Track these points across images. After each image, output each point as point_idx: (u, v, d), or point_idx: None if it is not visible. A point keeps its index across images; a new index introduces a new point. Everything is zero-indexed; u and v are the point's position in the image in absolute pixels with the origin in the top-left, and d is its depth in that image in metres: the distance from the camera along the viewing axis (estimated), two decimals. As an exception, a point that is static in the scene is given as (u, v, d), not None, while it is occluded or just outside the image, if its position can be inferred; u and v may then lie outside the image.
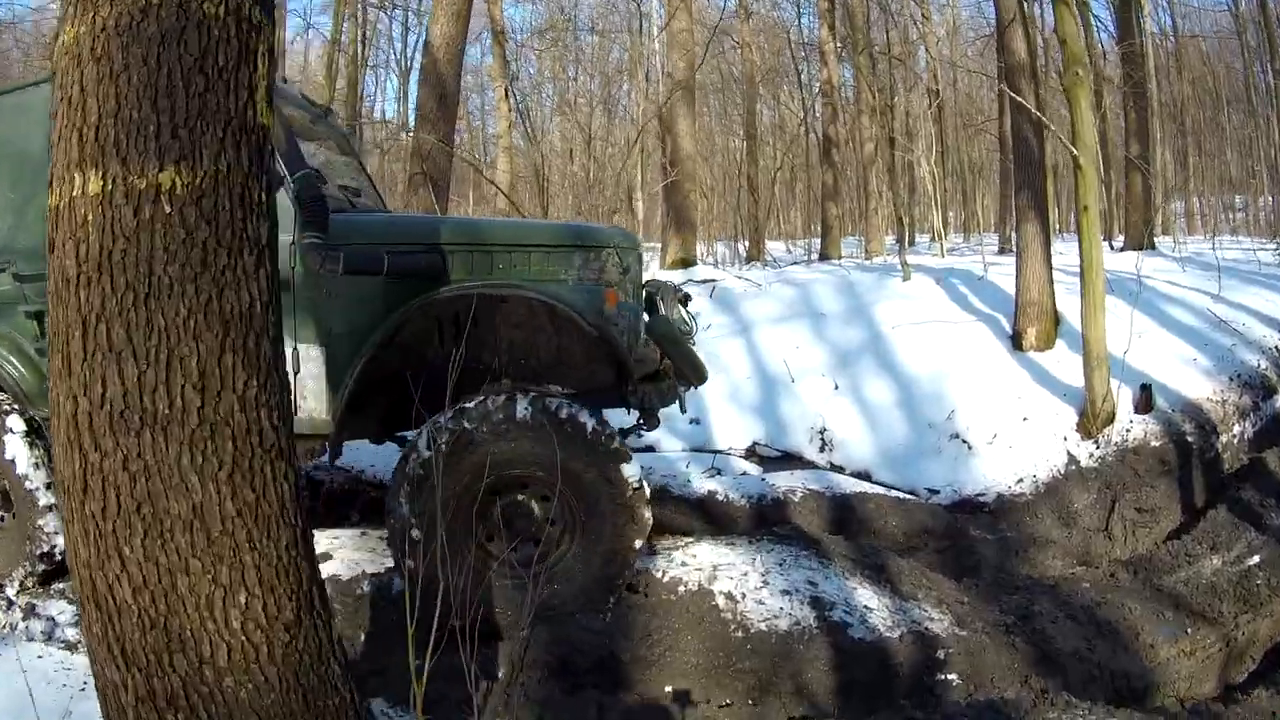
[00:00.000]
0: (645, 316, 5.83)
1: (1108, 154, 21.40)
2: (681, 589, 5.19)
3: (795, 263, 20.81)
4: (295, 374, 5.17)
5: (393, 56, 33.91)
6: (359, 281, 5.11)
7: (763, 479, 7.38)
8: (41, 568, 5.61)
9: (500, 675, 4.73)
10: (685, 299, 6.45)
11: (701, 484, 7.27)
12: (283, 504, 2.89)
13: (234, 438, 2.76)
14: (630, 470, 5.03)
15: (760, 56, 27.95)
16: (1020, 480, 7.52)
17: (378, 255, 5.05)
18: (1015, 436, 8.00)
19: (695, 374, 5.83)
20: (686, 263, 17.76)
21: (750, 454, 9.42)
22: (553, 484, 4.90)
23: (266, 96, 2.89)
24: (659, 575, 5.35)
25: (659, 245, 19.50)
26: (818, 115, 25.40)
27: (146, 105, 2.63)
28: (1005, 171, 21.90)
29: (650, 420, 5.94)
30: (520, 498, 5.21)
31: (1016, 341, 9.53)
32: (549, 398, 5.03)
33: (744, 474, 8.06)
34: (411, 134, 13.38)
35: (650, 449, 9.44)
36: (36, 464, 5.55)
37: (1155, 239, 18.08)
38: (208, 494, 2.71)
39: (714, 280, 14.48)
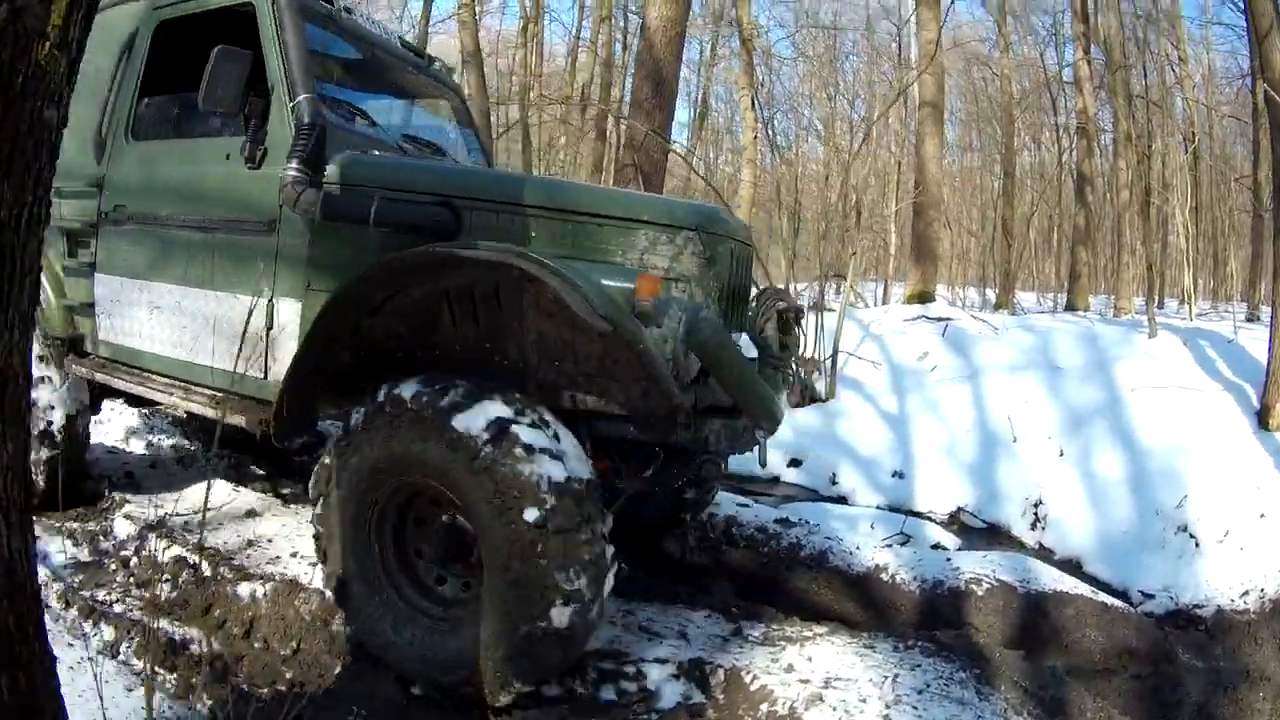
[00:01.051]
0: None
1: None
2: (764, 709, 3.84)
3: (1041, 313, 19.52)
4: (268, 330, 4.57)
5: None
6: (348, 230, 4.28)
7: (948, 559, 6.17)
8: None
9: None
10: (794, 315, 5.03)
11: (871, 555, 6.17)
12: None
13: None
14: (523, 473, 3.52)
15: (1018, 90, 26.76)
16: (1245, 593, 6.07)
17: (367, 200, 4.18)
18: (1248, 536, 6.54)
19: (758, 408, 4.25)
20: (925, 297, 16.82)
21: (953, 521, 8.27)
22: (448, 498, 3.83)
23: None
24: (746, 679, 4.07)
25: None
26: (1074, 155, 23.93)
27: None
28: (1258, 230, 20.00)
29: (709, 467, 4.61)
30: (445, 518, 4.01)
31: (1262, 418, 7.96)
32: (431, 384, 3.85)
33: (935, 547, 6.96)
34: (625, 121, 12.76)
35: (842, 500, 8.49)
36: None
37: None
38: None
39: (948, 319, 13.29)
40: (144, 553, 5.25)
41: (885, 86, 28.34)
